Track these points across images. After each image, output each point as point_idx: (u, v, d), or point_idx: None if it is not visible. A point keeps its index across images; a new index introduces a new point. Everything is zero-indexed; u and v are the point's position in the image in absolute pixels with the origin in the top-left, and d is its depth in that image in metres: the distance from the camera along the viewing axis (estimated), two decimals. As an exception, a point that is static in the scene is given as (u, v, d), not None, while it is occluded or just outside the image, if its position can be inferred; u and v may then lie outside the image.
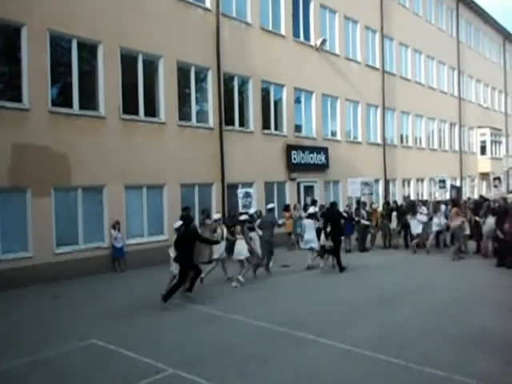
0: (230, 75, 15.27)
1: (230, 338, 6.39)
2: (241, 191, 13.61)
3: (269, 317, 7.23)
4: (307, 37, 18.30)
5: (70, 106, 11.23)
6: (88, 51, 11.78)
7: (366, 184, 16.61)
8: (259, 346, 6.01)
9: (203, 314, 7.63)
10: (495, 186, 29.16)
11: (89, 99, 11.69)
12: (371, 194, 17.14)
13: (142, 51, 12.67)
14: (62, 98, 11.41)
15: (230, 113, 15.17)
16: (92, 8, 11.48)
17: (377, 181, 21.30)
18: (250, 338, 6.37)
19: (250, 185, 15.63)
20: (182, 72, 13.86)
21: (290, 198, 17.03)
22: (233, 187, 15.06)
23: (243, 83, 15.89)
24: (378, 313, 7.47)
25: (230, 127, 15.06)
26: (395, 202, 17.37)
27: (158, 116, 13.16)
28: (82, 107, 11.41)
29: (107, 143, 11.72)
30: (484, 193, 28.58)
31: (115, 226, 11.79)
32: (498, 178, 29.40)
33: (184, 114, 13.86)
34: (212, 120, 14.54)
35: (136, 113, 12.56)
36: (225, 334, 6.56)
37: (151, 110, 13.03)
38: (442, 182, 18.91)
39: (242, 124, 15.69)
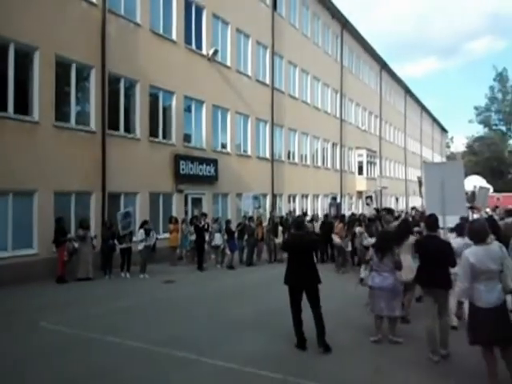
0: (115, 76, 14.72)
1: (105, 362, 5.97)
2: (120, 213, 13.20)
3: (148, 336, 6.96)
4: (199, 45, 18.49)
5: None
6: None
7: (255, 198, 17.19)
8: (137, 370, 5.70)
9: (69, 337, 7.00)
10: (367, 204, 32.35)
11: None
12: (260, 207, 17.73)
13: (13, 40, 11.59)
14: None
15: (114, 117, 14.59)
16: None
17: (265, 195, 22.10)
18: (126, 361, 6.01)
19: (134, 195, 15.16)
20: (62, 68, 13.00)
21: (176, 210, 16.81)
22: (115, 197, 14.44)
23: (130, 86, 15.43)
24: (260, 327, 7.54)
25: (114, 132, 14.46)
26: (281, 217, 18.23)
27: (30, 114, 12.11)
28: None
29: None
30: (360, 210, 31.27)
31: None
32: (370, 197, 32.58)
33: (62, 115, 12.97)
34: (94, 123, 13.83)
35: (4, 109, 11.41)
36: (99, 359, 6.11)
37: (23, 107, 11.95)
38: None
39: (127, 130, 15.18)
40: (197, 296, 10.50)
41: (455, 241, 7.05)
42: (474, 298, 4.90)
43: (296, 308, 6.37)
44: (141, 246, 13.05)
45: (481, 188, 16.67)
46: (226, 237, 14.90)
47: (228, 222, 15.70)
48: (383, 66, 42.33)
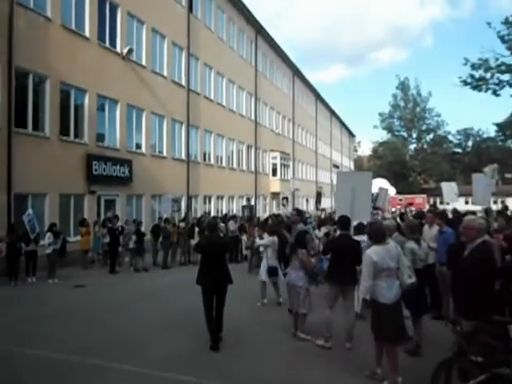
0: (23, 71, 14.14)
1: (9, 374, 5.71)
2: (25, 215, 12.67)
3: (56, 345, 6.78)
4: (113, 43, 18.26)
5: None
6: None
7: (175, 201, 17.34)
8: (46, 382, 5.55)
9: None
10: (283, 205, 33.74)
11: None
12: (179, 210, 17.90)
13: None
14: None
15: (22, 113, 14.01)
16: None
17: (180, 196, 22.23)
18: (33, 372, 5.79)
19: (43, 196, 14.66)
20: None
21: (88, 212, 16.46)
22: (22, 198, 13.87)
23: (40, 82, 14.88)
24: (174, 329, 7.65)
25: (21, 130, 13.89)
26: (198, 218, 18.57)
27: None
28: None
29: None
30: (274, 211, 32.51)
31: None
32: (286, 198, 33.98)
33: (-39, 109, 12.23)
34: (-1, 119, 13.19)
35: None
36: (5, 370, 5.85)
37: None
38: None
39: (36, 127, 14.62)
40: (109, 300, 10.34)
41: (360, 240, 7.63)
42: (377, 295, 5.21)
43: (209, 307, 6.69)
44: (49, 250, 12.69)
45: (380, 189, 18.02)
46: (135, 238, 14.82)
47: (139, 223, 15.67)
48: (296, 71, 44.21)
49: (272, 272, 9.37)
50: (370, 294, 5.23)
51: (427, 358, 5.41)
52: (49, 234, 12.83)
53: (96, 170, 16.68)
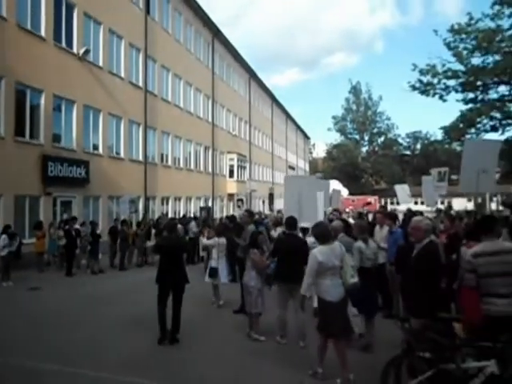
0: (-24, 71, 13.87)
1: None
2: None
3: (10, 349, 6.62)
4: (70, 44, 18.12)
5: None
6: None
7: (132, 202, 17.38)
8: None
9: None
10: (238, 206, 34.22)
11: None
12: (136, 211, 17.93)
13: None
14: None
15: (-25, 114, 13.73)
16: None
17: (138, 198, 22.23)
18: None
19: (-2, 197, 14.41)
20: None
21: (44, 214, 16.27)
22: (-24, 199, 13.61)
23: (-6, 82, 14.62)
24: (131, 331, 7.62)
25: (-25, 130, 13.63)
26: (154, 219, 18.68)
27: None
28: None
29: None
30: (231, 212, 32.87)
31: None
32: (241, 200, 34.46)
33: None
34: (-49, 119, 12.90)
35: None
36: None
37: None
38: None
39: (-10, 128, 14.34)
40: (64, 303, 10.17)
41: (309, 239, 7.73)
42: (323, 293, 5.36)
43: (163, 305, 6.94)
44: (4, 252, 12.47)
45: (333, 191, 18.85)
46: (90, 240, 14.79)
47: (94, 225, 15.61)
48: (252, 75, 44.82)
49: (212, 273, 9.47)
50: (310, 292, 5.43)
51: (378, 356, 5.45)
52: (4, 237, 12.63)
53: (52, 171, 16.52)
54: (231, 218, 14.89)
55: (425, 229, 5.04)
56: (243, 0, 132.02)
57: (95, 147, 19.84)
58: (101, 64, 20.12)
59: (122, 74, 21.91)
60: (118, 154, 21.54)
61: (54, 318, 8.72)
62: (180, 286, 7.03)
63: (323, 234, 5.61)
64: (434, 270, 4.86)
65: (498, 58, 20.92)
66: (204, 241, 11.02)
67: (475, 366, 4.09)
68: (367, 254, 6.63)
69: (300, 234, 8.39)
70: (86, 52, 18.61)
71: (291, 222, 7.29)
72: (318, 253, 5.38)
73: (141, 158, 23.44)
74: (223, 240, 9.79)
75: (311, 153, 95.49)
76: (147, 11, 24.16)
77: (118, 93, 21.22)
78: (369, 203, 42.54)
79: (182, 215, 24.35)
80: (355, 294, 5.75)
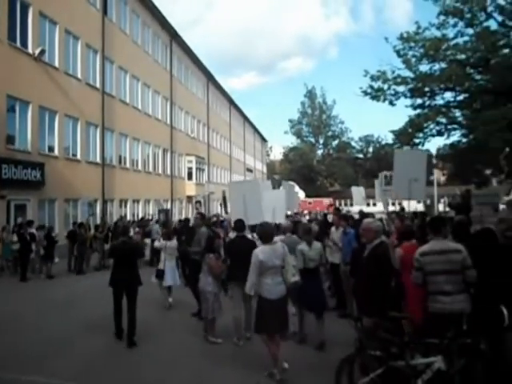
0: None
1: None
2: None
3: None
4: (24, 43, 17.67)
5: None
6: None
7: (90, 205, 17.15)
8: None
9: None
10: (197, 209, 34.14)
11: None
12: (93, 214, 17.71)
13: None
14: None
15: None
16: None
17: (95, 200, 21.89)
18: None
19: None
20: None
21: (-3, 217, 15.79)
22: None
23: None
24: (89, 336, 7.56)
25: None
26: (115, 222, 18.48)
27: None
28: None
29: None
30: (190, 214, 32.82)
31: None
32: (199, 202, 34.40)
33: None
34: None
35: None
36: None
37: None
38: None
39: None
40: (18, 308, 9.90)
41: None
42: (263, 291, 5.49)
43: (118, 305, 7.24)
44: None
45: (293, 193, 19.26)
46: (45, 244, 14.52)
47: (50, 228, 15.35)
48: (210, 77, 44.91)
49: (158, 274, 9.68)
50: (254, 290, 5.57)
51: (332, 355, 5.52)
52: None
53: (6, 174, 16.04)
54: (185, 220, 14.95)
55: (375, 230, 5.24)
56: (201, 4, 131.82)
57: (51, 149, 19.39)
58: (57, 65, 19.70)
59: (79, 75, 21.52)
60: (74, 155, 21.12)
61: (5, 324, 8.47)
62: (133, 287, 7.20)
63: (266, 233, 5.76)
64: (384, 270, 5.03)
65: (443, 65, 22.01)
66: (155, 243, 11.25)
67: (423, 363, 4.26)
68: (310, 255, 6.77)
69: (249, 232, 8.57)
70: (42, 52, 18.18)
71: (239, 225, 7.58)
72: (260, 252, 5.53)
73: (98, 159, 23.07)
74: (172, 243, 10.02)
75: (268, 155, 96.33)
76: (104, 12, 23.84)
77: (74, 94, 20.83)
78: (331, 205, 43.50)
79: (140, 218, 24.14)
80: (301, 293, 5.97)
